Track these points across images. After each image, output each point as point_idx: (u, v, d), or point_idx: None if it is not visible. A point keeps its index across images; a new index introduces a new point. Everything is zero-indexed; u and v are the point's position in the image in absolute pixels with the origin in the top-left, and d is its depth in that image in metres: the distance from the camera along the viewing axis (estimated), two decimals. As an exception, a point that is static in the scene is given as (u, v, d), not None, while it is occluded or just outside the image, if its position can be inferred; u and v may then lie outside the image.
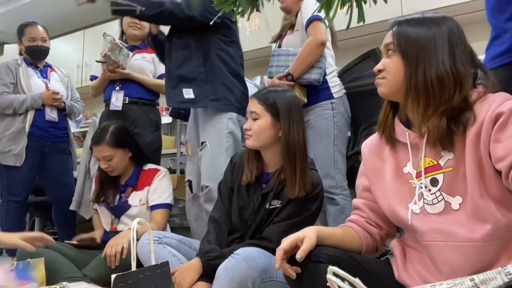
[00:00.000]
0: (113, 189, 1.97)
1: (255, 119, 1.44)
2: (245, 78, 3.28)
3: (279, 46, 2.14)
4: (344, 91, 2.05)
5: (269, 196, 1.43)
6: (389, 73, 0.98)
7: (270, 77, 2.07)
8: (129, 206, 1.91)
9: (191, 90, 1.92)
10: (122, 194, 1.96)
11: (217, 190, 1.63)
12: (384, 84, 0.99)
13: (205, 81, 1.92)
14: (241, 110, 1.97)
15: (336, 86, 2.01)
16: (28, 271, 1.51)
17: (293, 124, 1.41)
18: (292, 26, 2.09)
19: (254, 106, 1.46)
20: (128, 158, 1.97)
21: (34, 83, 2.61)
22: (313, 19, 1.92)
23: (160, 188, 1.94)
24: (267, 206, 1.43)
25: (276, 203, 1.42)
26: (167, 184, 1.98)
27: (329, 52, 2.06)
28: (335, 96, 1.98)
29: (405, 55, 0.95)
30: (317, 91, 1.99)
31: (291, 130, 1.40)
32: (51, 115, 2.61)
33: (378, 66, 1.00)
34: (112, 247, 1.63)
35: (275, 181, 1.43)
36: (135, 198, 1.93)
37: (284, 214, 1.40)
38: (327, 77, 2.00)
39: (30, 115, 2.52)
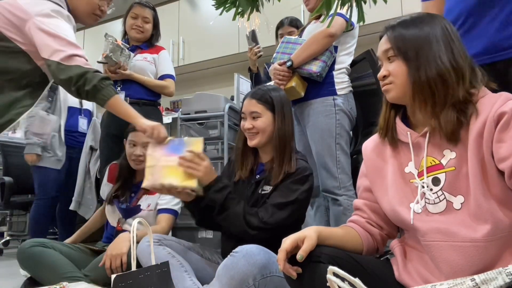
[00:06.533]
0: (129, 188, 1.97)
1: (256, 118, 1.52)
2: (242, 76, 3.25)
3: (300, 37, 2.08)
4: (350, 89, 1.98)
5: (262, 183, 1.52)
6: (396, 77, 0.98)
7: (272, 63, 2.00)
8: (140, 210, 1.90)
9: None
10: (133, 194, 1.96)
11: None
12: (393, 89, 0.99)
13: None
14: None
15: (342, 83, 1.94)
16: (181, 147, 1.42)
17: (285, 118, 1.53)
18: (318, 17, 2.01)
19: (253, 106, 1.53)
20: None
21: None
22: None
23: None
24: (260, 191, 1.51)
25: (268, 189, 1.49)
26: None
27: (347, 48, 1.99)
28: (338, 93, 1.91)
29: (406, 58, 0.96)
30: (319, 85, 1.93)
31: (284, 123, 1.52)
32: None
33: (382, 72, 1.00)
34: (112, 261, 1.61)
35: (268, 169, 1.53)
36: (145, 202, 1.92)
37: (274, 195, 1.45)
38: (334, 73, 1.94)
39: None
